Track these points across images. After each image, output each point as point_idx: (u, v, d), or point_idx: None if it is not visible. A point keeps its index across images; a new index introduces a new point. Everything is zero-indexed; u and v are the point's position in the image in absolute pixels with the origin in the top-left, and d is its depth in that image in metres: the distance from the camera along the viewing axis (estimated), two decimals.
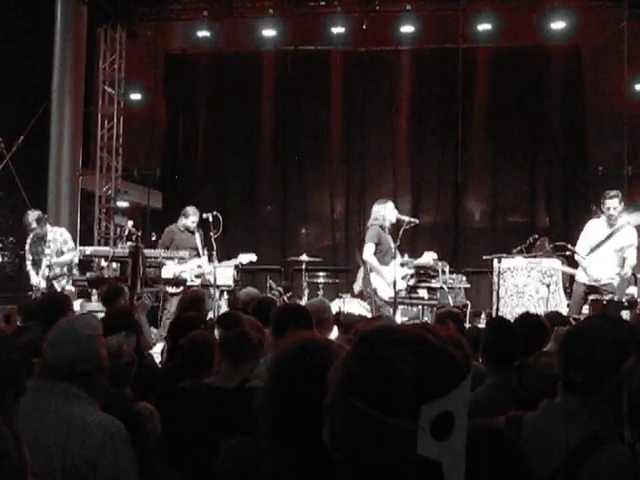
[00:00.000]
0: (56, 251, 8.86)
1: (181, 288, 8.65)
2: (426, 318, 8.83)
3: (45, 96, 11.22)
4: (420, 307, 9.13)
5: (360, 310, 8.29)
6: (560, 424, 2.22)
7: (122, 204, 13.27)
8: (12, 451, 1.56)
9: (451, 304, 8.68)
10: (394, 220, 8.44)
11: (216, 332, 4.22)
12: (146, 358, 4.65)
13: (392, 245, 8.31)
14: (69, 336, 2.75)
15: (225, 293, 9.62)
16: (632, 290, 7.88)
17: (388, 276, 8.16)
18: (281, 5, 12.22)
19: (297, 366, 1.89)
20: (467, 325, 7.49)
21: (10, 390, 2.17)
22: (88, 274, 8.99)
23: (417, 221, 8.70)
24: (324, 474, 1.68)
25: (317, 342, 2.01)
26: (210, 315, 6.98)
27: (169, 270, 8.82)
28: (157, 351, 6.15)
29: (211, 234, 8.73)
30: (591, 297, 7.91)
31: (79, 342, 2.73)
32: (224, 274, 9.23)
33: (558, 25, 11.50)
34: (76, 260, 9.08)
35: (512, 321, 4.30)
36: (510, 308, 8.74)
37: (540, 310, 8.35)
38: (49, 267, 8.81)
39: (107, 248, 9.85)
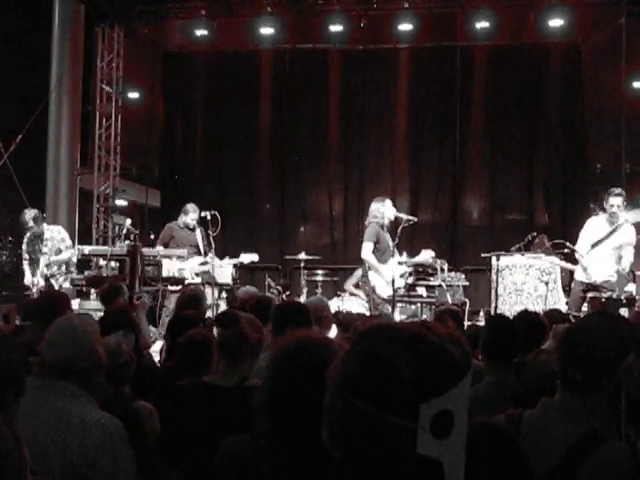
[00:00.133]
0: (54, 249, 8.86)
1: (180, 286, 8.64)
2: (425, 316, 8.83)
3: (43, 95, 11.21)
4: (419, 305, 9.13)
5: (359, 308, 8.30)
6: (559, 422, 2.22)
7: (120, 203, 13.26)
8: (12, 451, 1.56)
9: (450, 302, 8.68)
10: (393, 218, 8.44)
11: (215, 330, 4.22)
12: (145, 357, 4.64)
13: (390, 243, 8.32)
14: (67, 334, 2.75)
15: (224, 292, 9.62)
16: (631, 287, 7.88)
17: (386, 274, 8.16)
18: (279, 3, 12.20)
19: (295, 364, 1.89)
20: (466, 323, 7.49)
21: (10, 389, 2.17)
22: (86, 273, 8.98)
23: (416, 219, 8.71)
24: (322, 473, 1.68)
25: (315, 340, 2.01)
26: (209, 313, 6.98)
27: (170, 268, 8.83)
28: (156, 349, 6.15)
29: (209, 233, 8.74)
30: (590, 295, 7.91)
31: (77, 340, 2.73)
32: (223, 273, 9.23)
33: (556, 23, 11.49)
34: (74, 259, 9.07)
35: (511, 319, 4.30)
36: (509, 306, 8.75)
37: (539, 308, 8.36)
38: (47, 265, 8.81)
39: (105, 247, 9.85)
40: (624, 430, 2.07)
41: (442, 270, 9.10)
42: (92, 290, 8.72)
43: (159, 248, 9.27)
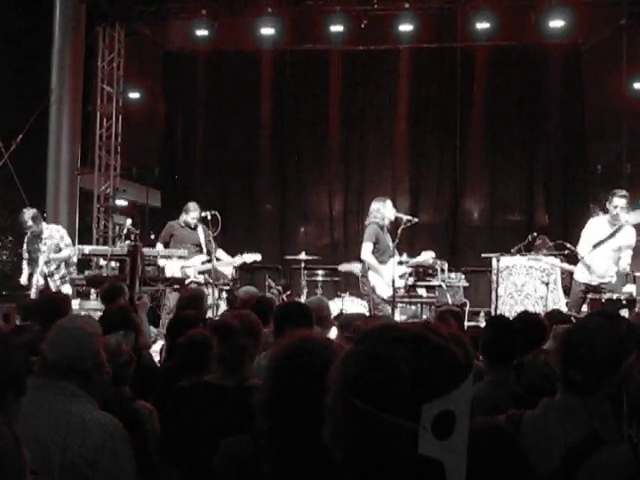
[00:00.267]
0: (53, 247, 8.86)
1: (181, 286, 8.64)
2: (425, 316, 8.84)
3: (44, 95, 11.21)
4: (419, 305, 9.14)
5: (359, 309, 8.30)
6: (560, 422, 2.22)
7: (121, 203, 13.27)
8: (11, 451, 1.55)
9: (450, 303, 8.68)
10: (392, 218, 8.44)
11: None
12: (145, 357, 4.64)
13: (390, 244, 8.32)
14: (69, 334, 2.75)
15: (224, 292, 9.62)
16: (631, 288, 7.88)
17: (386, 275, 8.16)
18: (279, 4, 12.20)
19: (296, 365, 1.89)
20: (466, 324, 7.49)
21: (10, 389, 2.16)
22: (87, 273, 8.98)
23: (416, 220, 8.70)
24: (323, 473, 1.67)
25: (316, 341, 2.01)
26: (209, 313, 6.98)
27: (172, 267, 8.83)
28: (156, 349, 6.15)
29: (210, 233, 8.75)
30: (590, 296, 7.92)
31: (79, 340, 2.73)
32: (223, 272, 9.24)
33: (557, 23, 11.48)
34: (75, 258, 9.07)
35: (511, 319, 4.30)
36: (509, 307, 8.76)
37: (539, 309, 8.37)
38: (47, 263, 8.81)
39: (106, 247, 9.85)
40: (625, 431, 2.07)
41: (442, 271, 9.11)
42: (92, 290, 8.72)
43: (159, 247, 9.28)
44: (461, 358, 1.17)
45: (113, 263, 8.64)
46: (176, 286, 8.61)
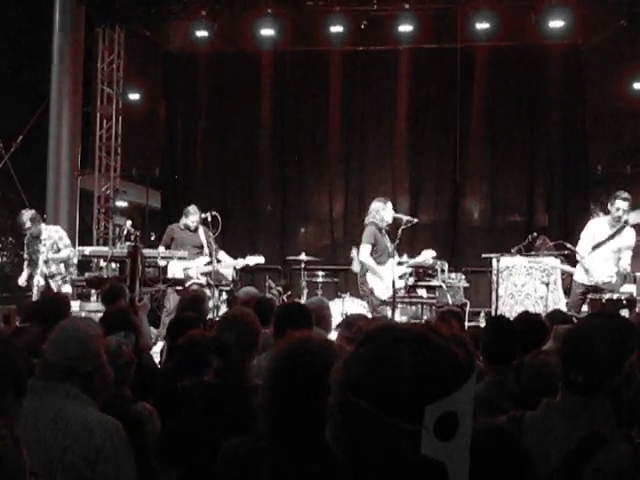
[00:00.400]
0: (52, 247, 8.86)
1: (182, 287, 8.64)
2: (425, 317, 8.84)
3: (44, 96, 11.22)
4: (419, 306, 9.13)
5: (360, 310, 8.29)
6: (561, 423, 2.21)
7: (121, 204, 13.27)
8: (11, 453, 1.55)
9: (450, 303, 8.68)
10: (390, 221, 8.44)
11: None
12: (145, 358, 4.64)
13: (388, 245, 8.33)
14: (71, 335, 2.75)
15: (224, 293, 9.62)
16: (631, 288, 7.88)
17: (385, 276, 8.16)
18: (279, 5, 12.20)
19: (296, 365, 1.89)
20: (467, 324, 7.49)
21: (11, 391, 2.16)
22: (87, 274, 8.99)
23: (416, 220, 8.71)
24: (323, 474, 1.67)
25: (316, 342, 2.01)
26: (211, 315, 6.97)
27: (175, 268, 8.84)
28: (157, 350, 6.15)
29: (210, 234, 8.75)
30: (590, 296, 7.92)
31: (81, 341, 2.74)
32: (223, 273, 9.24)
33: (557, 24, 11.47)
34: (75, 260, 9.07)
35: (511, 320, 4.30)
36: (509, 307, 8.75)
37: (539, 309, 8.36)
38: (46, 262, 8.81)
39: (106, 248, 9.84)
40: (627, 431, 2.07)
41: (442, 271, 9.11)
42: (93, 291, 8.72)
43: (161, 249, 9.27)
44: (463, 359, 1.17)
45: (113, 264, 8.65)
46: (177, 287, 8.61)
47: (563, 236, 9.84)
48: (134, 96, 13.80)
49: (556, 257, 9.00)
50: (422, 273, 8.98)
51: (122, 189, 13.10)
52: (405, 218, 8.45)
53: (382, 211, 8.36)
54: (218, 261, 9.18)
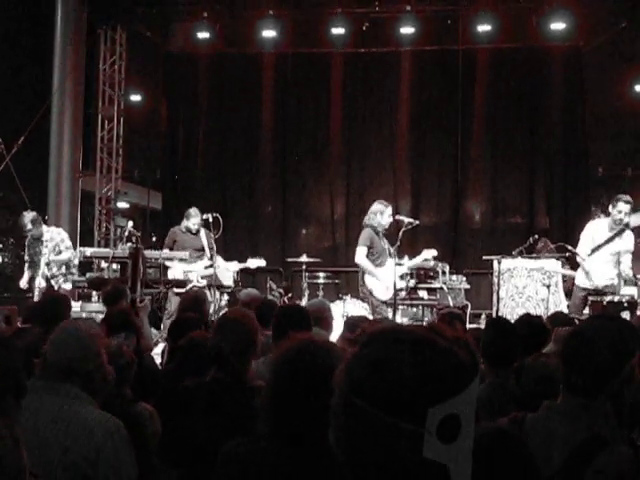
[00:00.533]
0: (54, 249, 8.88)
1: (183, 289, 8.64)
2: (426, 319, 8.84)
3: (45, 97, 11.23)
4: (420, 308, 9.14)
5: (361, 311, 8.30)
6: (562, 425, 2.21)
7: (122, 205, 13.30)
8: (11, 454, 1.56)
9: (451, 305, 8.68)
10: (387, 226, 8.44)
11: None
12: (146, 359, 4.64)
13: (386, 246, 8.33)
14: (72, 336, 2.76)
15: (225, 294, 9.62)
16: (632, 291, 7.87)
17: (384, 277, 8.17)
18: (281, 6, 12.21)
19: (298, 367, 1.89)
20: (468, 326, 7.49)
21: (10, 392, 2.17)
22: (88, 275, 8.99)
23: (417, 222, 8.71)
24: (324, 475, 1.67)
25: (318, 343, 2.01)
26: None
27: (176, 270, 8.84)
28: (158, 352, 6.15)
29: (212, 235, 8.75)
30: (591, 298, 7.91)
31: (81, 342, 2.74)
32: (224, 275, 9.23)
33: (558, 26, 11.49)
34: (76, 261, 9.08)
35: (513, 322, 4.30)
36: (510, 309, 8.74)
37: (540, 311, 8.35)
38: (47, 265, 8.83)
39: (107, 249, 9.86)
40: (628, 434, 2.07)
41: (443, 273, 9.11)
42: (94, 292, 8.72)
43: (165, 251, 9.25)
44: (466, 361, 1.17)
45: (114, 265, 8.64)
46: (178, 289, 8.61)
47: (564, 238, 9.84)
48: (135, 97, 13.82)
49: (557, 259, 8.99)
50: (423, 275, 8.98)
51: (123, 190, 13.12)
52: (406, 220, 8.46)
53: (380, 215, 8.35)
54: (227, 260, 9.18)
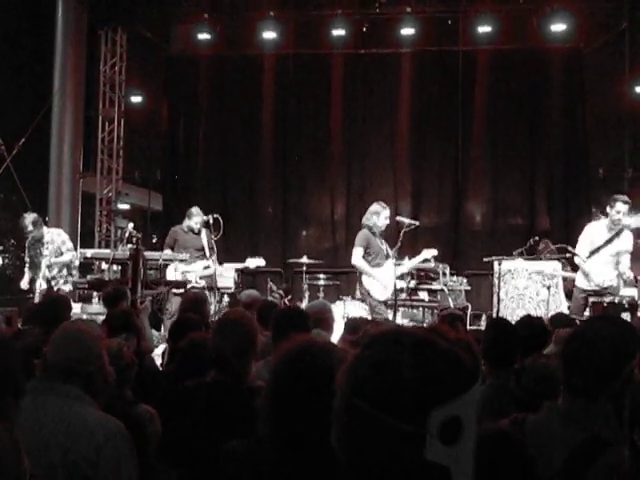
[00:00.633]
0: (55, 251, 8.88)
1: (182, 290, 8.64)
2: (427, 320, 8.84)
3: (46, 98, 11.24)
4: (421, 309, 9.13)
5: (361, 312, 8.30)
6: (563, 427, 2.21)
7: (123, 206, 13.29)
8: (10, 456, 1.55)
9: (452, 306, 8.68)
10: (383, 228, 8.44)
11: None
12: (147, 360, 4.64)
13: (383, 247, 8.34)
14: (73, 337, 2.76)
15: (226, 295, 9.62)
16: (633, 292, 7.87)
17: (381, 277, 8.17)
18: (281, 8, 12.23)
19: (298, 368, 1.89)
20: (468, 327, 7.49)
21: (9, 392, 2.17)
22: (89, 277, 8.99)
23: (417, 223, 8.71)
24: (324, 476, 1.67)
25: (319, 344, 2.01)
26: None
27: (173, 271, 8.83)
28: (158, 353, 6.15)
29: (212, 237, 8.74)
30: (592, 299, 7.91)
31: (83, 343, 2.74)
32: (225, 276, 9.23)
33: (558, 27, 11.49)
34: (76, 262, 9.08)
35: (513, 323, 4.30)
36: (511, 310, 8.74)
37: (540, 312, 8.36)
38: (49, 267, 8.83)
39: (108, 250, 9.85)
40: (629, 434, 2.07)
41: (444, 274, 9.12)
42: (94, 293, 8.73)
43: (167, 252, 9.25)
44: (468, 363, 1.16)
45: (115, 267, 8.64)
46: (178, 290, 8.60)
47: (564, 239, 9.83)
48: (136, 99, 13.82)
49: (559, 261, 9.00)
50: (424, 276, 8.99)
51: (124, 191, 13.13)
52: (407, 221, 8.47)
53: (376, 216, 8.36)
54: (220, 263, 9.17)
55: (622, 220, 7.80)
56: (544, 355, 3.62)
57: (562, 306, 8.72)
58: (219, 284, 8.79)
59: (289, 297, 10.83)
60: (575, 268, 8.65)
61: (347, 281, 11.16)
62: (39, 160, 11.42)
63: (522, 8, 11.99)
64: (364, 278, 8.30)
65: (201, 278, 8.96)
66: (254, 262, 9.34)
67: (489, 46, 12.35)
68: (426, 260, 8.82)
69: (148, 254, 8.46)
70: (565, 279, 9.15)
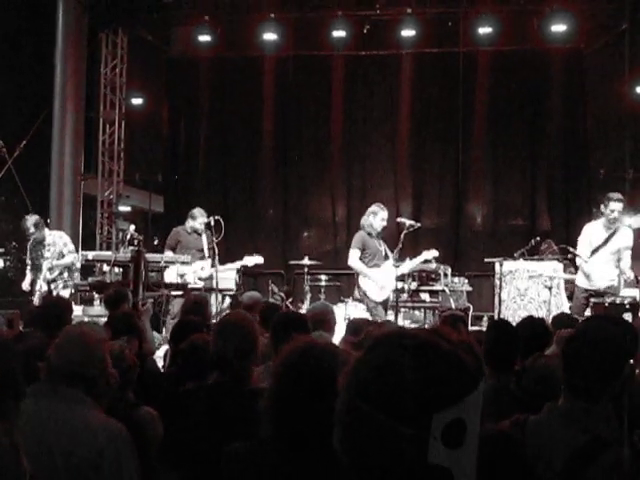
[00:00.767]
0: (57, 254, 8.89)
1: (183, 292, 8.63)
2: (428, 321, 8.85)
3: (47, 101, 11.25)
4: (422, 310, 9.13)
5: (363, 314, 8.31)
6: (564, 427, 2.21)
7: (124, 208, 13.29)
8: (8, 458, 1.56)
9: (453, 307, 8.68)
10: (380, 229, 8.43)
11: None
12: (148, 362, 4.64)
13: (381, 248, 8.34)
14: (76, 340, 2.76)
15: (227, 297, 9.61)
16: (634, 292, 7.86)
17: (378, 278, 8.17)
18: (282, 9, 12.23)
19: (301, 369, 1.89)
20: (470, 328, 7.49)
21: (9, 395, 2.17)
22: (90, 279, 8.99)
23: (418, 224, 8.71)
24: (326, 477, 1.68)
25: (321, 346, 2.02)
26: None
27: (172, 272, 8.82)
28: (160, 355, 6.15)
29: (213, 238, 8.74)
30: (593, 300, 7.90)
31: (86, 346, 2.74)
32: (226, 278, 9.22)
33: (559, 28, 11.49)
34: (78, 264, 9.08)
35: (515, 324, 4.30)
36: (512, 311, 8.75)
37: (542, 313, 8.36)
38: (50, 269, 8.83)
39: (109, 253, 9.86)
40: (629, 435, 2.07)
41: (445, 275, 9.12)
42: (96, 296, 8.73)
43: (168, 253, 9.24)
44: (470, 366, 1.16)
45: (116, 269, 8.64)
46: (179, 292, 8.60)
47: (565, 240, 9.83)
48: (137, 101, 13.84)
49: (560, 261, 8.99)
50: (425, 277, 8.99)
51: (125, 194, 13.13)
52: (408, 222, 8.47)
53: (372, 216, 8.36)
54: (221, 264, 9.17)
55: (617, 218, 7.81)
56: (544, 355, 3.61)
57: (563, 307, 8.72)
58: (220, 286, 8.78)
59: (290, 300, 10.83)
60: (577, 269, 8.64)
61: (348, 282, 11.15)
62: (40, 162, 11.42)
63: (523, 9, 11.98)
64: (360, 279, 8.31)
65: (200, 279, 8.96)
66: (252, 260, 9.31)
67: (489, 47, 12.36)
68: (427, 261, 8.82)
69: (149, 256, 8.46)
70: (567, 281, 9.15)
